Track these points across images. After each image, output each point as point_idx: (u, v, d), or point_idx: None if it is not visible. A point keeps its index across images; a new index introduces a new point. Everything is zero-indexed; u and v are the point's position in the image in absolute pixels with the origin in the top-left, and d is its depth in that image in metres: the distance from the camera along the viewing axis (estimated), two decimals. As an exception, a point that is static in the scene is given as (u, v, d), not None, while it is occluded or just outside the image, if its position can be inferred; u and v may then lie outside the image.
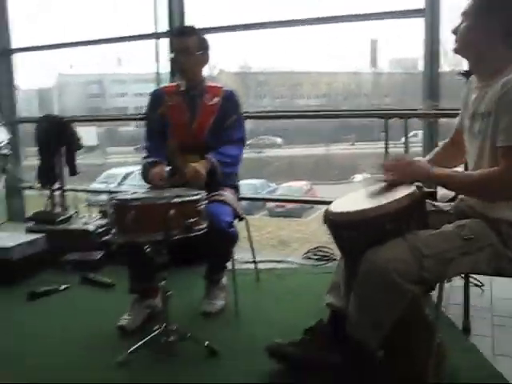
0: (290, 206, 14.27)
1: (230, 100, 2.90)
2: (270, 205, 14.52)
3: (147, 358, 2.27)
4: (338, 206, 1.97)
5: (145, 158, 2.87)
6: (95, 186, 12.53)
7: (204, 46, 2.91)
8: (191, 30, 2.95)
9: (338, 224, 1.91)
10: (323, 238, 4.55)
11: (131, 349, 2.27)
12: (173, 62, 3.42)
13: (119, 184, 14.16)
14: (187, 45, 2.85)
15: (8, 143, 2.71)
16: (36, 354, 2.43)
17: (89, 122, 7.31)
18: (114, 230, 2.20)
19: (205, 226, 2.24)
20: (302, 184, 17.94)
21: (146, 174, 2.77)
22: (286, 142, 20.89)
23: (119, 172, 16.69)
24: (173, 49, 2.97)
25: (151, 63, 5.24)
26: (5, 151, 2.68)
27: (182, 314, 2.56)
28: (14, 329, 2.73)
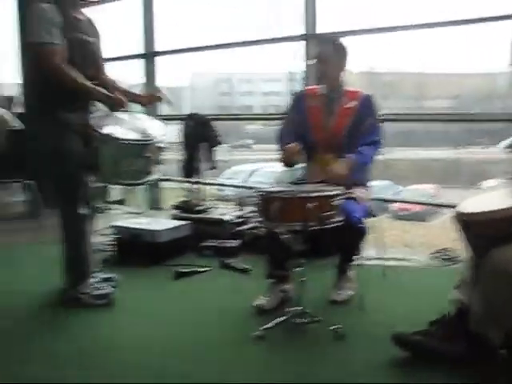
0: (414, 209, 14.02)
1: (366, 104, 3.06)
2: (394, 207, 14.34)
3: (280, 335, 2.53)
4: (469, 206, 2.09)
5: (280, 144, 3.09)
6: (221, 181, 13.09)
7: (341, 53, 3.08)
8: (330, 39, 3.16)
9: (467, 222, 2.03)
10: (448, 243, 4.54)
11: (266, 326, 2.53)
12: (312, 68, 3.63)
13: (245, 180, 14.65)
14: (325, 54, 3.06)
15: (164, 137, 3.04)
16: (180, 324, 2.77)
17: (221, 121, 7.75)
18: (260, 219, 2.48)
19: (339, 219, 2.45)
20: (429, 187, 17.47)
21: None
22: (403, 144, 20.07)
23: (245, 169, 17.27)
24: (312, 56, 3.18)
25: (281, 63, 5.53)
26: (162, 144, 3.01)
27: (313, 300, 2.76)
28: (162, 303, 3.11)
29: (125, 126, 2.95)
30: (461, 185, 18.50)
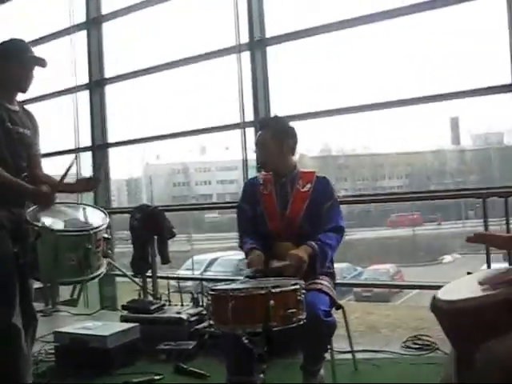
0: (377, 289, 13.91)
1: (322, 186, 2.88)
2: (357, 289, 14.19)
3: None
4: (446, 293, 1.88)
5: (241, 246, 2.89)
6: (182, 272, 12.77)
7: (282, 137, 2.91)
8: (265, 124, 3.06)
9: (447, 312, 1.81)
10: (413, 323, 4.36)
11: None
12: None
13: (205, 270, 14.31)
14: (262, 138, 2.95)
15: (108, 228, 2.82)
16: None
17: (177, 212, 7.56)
18: (211, 321, 2.19)
19: (304, 316, 2.17)
20: (389, 267, 17.52)
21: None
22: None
23: (204, 258, 16.95)
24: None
25: (235, 151, 5.45)
26: (105, 235, 2.78)
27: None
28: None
29: (63, 218, 2.75)
30: (420, 262, 18.76)
